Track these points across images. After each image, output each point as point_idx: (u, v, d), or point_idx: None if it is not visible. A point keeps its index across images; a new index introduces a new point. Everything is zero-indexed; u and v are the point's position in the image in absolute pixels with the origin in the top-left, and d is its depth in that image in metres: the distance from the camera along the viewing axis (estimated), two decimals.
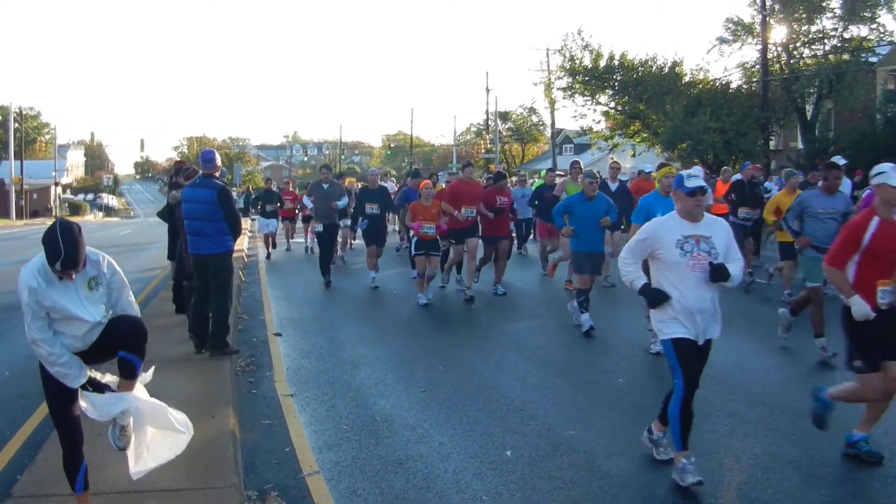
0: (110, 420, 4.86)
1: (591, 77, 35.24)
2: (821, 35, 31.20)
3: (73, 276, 4.49)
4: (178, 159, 25.67)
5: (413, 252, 13.04)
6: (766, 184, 18.11)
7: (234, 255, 10.02)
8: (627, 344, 9.84)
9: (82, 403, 4.74)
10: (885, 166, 5.82)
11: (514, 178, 20.85)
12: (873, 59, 31.22)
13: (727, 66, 53.55)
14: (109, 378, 4.92)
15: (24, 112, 76.72)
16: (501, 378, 8.43)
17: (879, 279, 5.70)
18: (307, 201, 16.08)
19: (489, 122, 66.74)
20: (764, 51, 31.25)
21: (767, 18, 31.04)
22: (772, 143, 33.77)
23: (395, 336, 10.78)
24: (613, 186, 15.13)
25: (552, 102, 41.17)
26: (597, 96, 36.33)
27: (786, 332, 9.44)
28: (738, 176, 15.94)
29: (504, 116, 69.17)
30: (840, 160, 12.06)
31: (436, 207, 12.76)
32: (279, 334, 10.78)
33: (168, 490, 5.20)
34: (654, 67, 34.09)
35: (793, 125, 33.67)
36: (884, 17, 30.28)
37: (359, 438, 6.65)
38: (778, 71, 31.89)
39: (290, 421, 7.14)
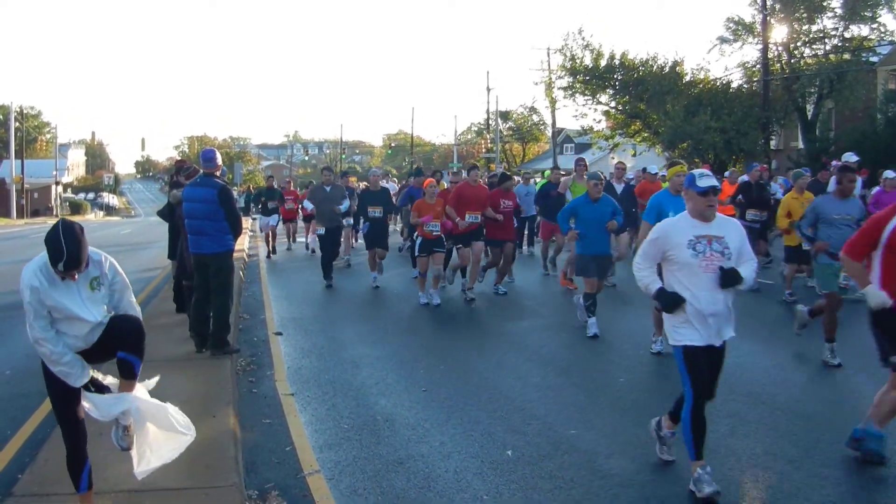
0: (112, 420, 4.87)
1: (591, 76, 35.25)
2: (822, 34, 31.21)
3: (76, 277, 4.49)
4: (179, 158, 25.59)
5: (416, 252, 12.92)
6: (772, 185, 18.03)
7: (235, 254, 10.02)
8: (628, 344, 9.83)
9: (84, 404, 4.75)
10: None
11: (518, 178, 20.57)
12: (874, 59, 31.22)
13: (728, 65, 53.67)
14: (111, 380, 4.92)
15: (24, 111, 76.79)
16: (502, 378, 8.43)
17: None
18: (308, 204, 15.80)
19: (490, 122, 66.72)
20: (765, 50, 31.25)
21: (768, 18, 31.05)
22: (772, 143, 33.77)
23: (396, 335, 10.78)
24: (619, 188, 15.10)
25: (553, 102, 41.15)
26: (597, 96, 36.35)
27: (801, 328, 9.36)
28: (744, 177, 15.88)
29: (505, 116, 69.16)
30: (852, 157, 12.04)
31: (440, 205, 12.65)
32: (280, 333, 10.78)
33: (169, 489, 5.21)
34: (655, 67, 34.11)
35: (793, 125, 33.67)
36: (885, 16, 30.37)
37: (360, 438, 6.65)
38: (779, 70, 31.90)
39: (291, 420, 7.14)
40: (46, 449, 5.99)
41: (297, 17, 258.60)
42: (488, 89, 65.51)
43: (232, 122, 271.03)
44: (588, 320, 10.22)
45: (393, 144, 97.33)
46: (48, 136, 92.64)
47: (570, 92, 36.75)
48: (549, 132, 61.83)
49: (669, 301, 5.38)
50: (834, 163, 14.76)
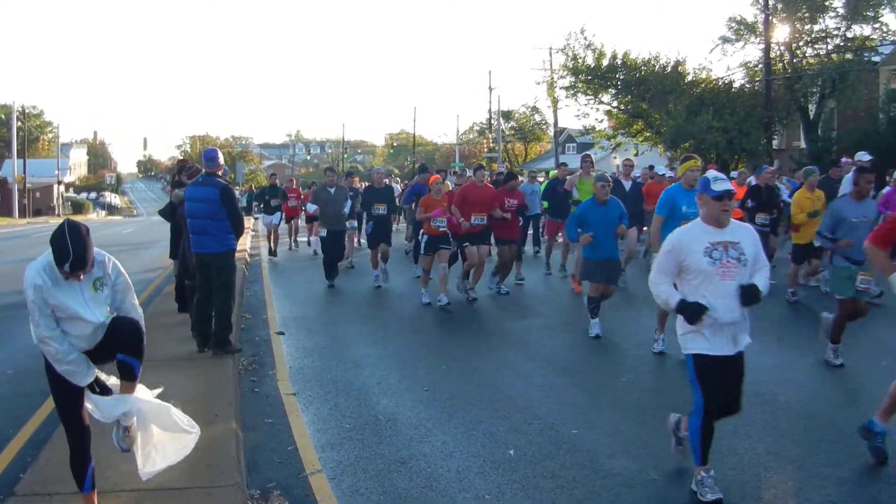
0: (114, 421, 4.87)
1: (593, 76, 35.21)
2: (824, 34, 31.16)
3: (81, 277, 4.50)
4: (182, 158, 25.56)
5: (422, 251, 12.86)
6: (779, 186, 17.94)
7: (237, 253, 10.03)
8: (630, 344, 9.82)
9: (87, 405, 4.75)
10: None
11: (522, 179, 20.30)
12: (876, 59, 31.19)
13: (730, 65, 53.34)
14: (114, 381, 4.92)
15: (26, 111, 76.72)
16: (504, 377, 8.43)
17: None
18: (311, 207, 15.46)
19: (492, 121, 66.70)
20: (767, 50, 31.20)
21: (770, 18, 31.00)
22: (774, 143, 33.74)
23: (397, 335, 10.78)
24: (627, 185, 14.95)
25: (555, 101, 41.11)
26: (599, 95, 36.31)
27: (827, 336, 8.87)
28: (751, 179, 15.75)
29: (507, 115, 69.12)
30: (865, 156, 11.95)
31: (446, 201, 12.61)
32: (282, 333, 10.78)
33: (171, 489, 5.21)
34: (657, 67, 34.06)
35: (795, 124, 33.64)
36: (887, 16, 30.36)
37: (361, 437, 6.65)
38: (781, 70, 31.86)
39: (293, 420, 7.14)
40: (48, 448, 5.99)
41: (299, 16, 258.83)
42: (490, 89, 65.52)
43: (234, 122, 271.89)
44: (591, 321, 10.17)
45: (395, 144, 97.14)
46: (50, 135, 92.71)
47: (572, 91, 36.73)
48: (551, 132, 61.81)
49: (693, 311, 5.18)
50: (844, 159, 14.60)
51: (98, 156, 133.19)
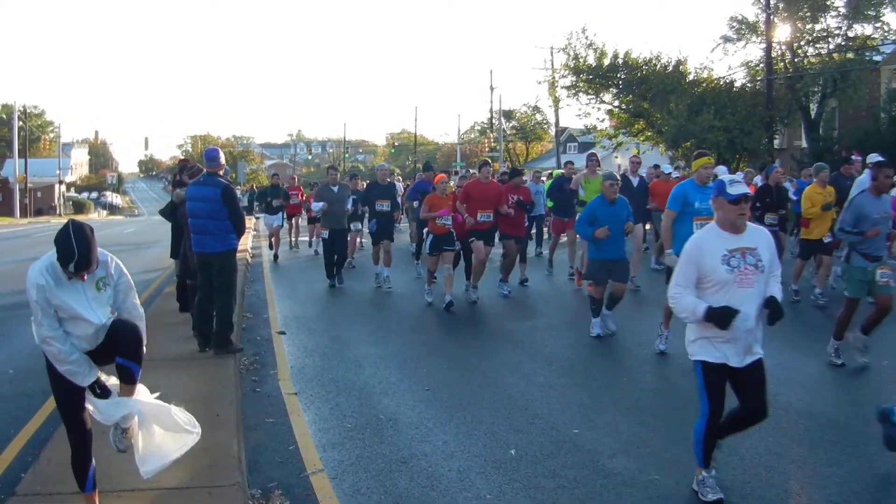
0: (113, 423, 4.87)
1: (595, 75, 35.21)
2: (825, 34, 31.16)
3: (85, 278, 4.50)
4: (183, 157, 25.45)
5: (427, 251, 12.71)
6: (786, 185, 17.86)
7: (238, 253, 10.02)
8: (632, 343, 9.83)
9: (87, 406, 4.75)
10: None
11: (525, 178, 19.93)
12: (877, 58, 31.19)
13: (731, 64, 53.41)
14: (114, 381, 4.92)
15: (28, 110, 76.85)
16: (505, 377, 8.42)
17: None
18: (315, 206, 15.00)
19: (493, 121, 66.73)
20: (768, 49, 31.21)
21: (772, 17, 31.02)
22: (776, 142, 33.75)
23: (398, 335, 10.78)
24: (635, 181, 14.85)
25: (556, 101, 41.09)
26: (601, 95, 36.32)
27: (863, 352, 8.62)
28: (757, 179, 15.66)
29: (508, 115, 69.10)
30: (876, 157, 11.89)
31: (451, 199, 12.52)
32: (283, 333, 10.78)
33: (172, 488, 5.21)
34: (658, 66, 34.05)
35: (797, 124, 33.64)
36: (888, 15, 30.36)
37: (363, 437, 6.65)
38: (782, 70, 31.87)
39: (294, 419, 7.14)
40: (50, 448, 6.00)
41: (300, 15, 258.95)
42: (491, 88, 65.55)
43: (235, 121, 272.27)
44: (592, 320, 10.15)
45: (396, 143, 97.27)
46: (51, 135, 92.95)
47: (574, 91, 36.73)
48: (552, 131, 61.75)
49: (724, 317, 4.92)
50: (855, 157, 14.51)
51: (99, 155, 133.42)
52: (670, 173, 16.50)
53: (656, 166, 17.40)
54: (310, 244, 21.53)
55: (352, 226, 15.83)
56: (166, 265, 16.98)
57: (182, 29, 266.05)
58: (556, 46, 40.59)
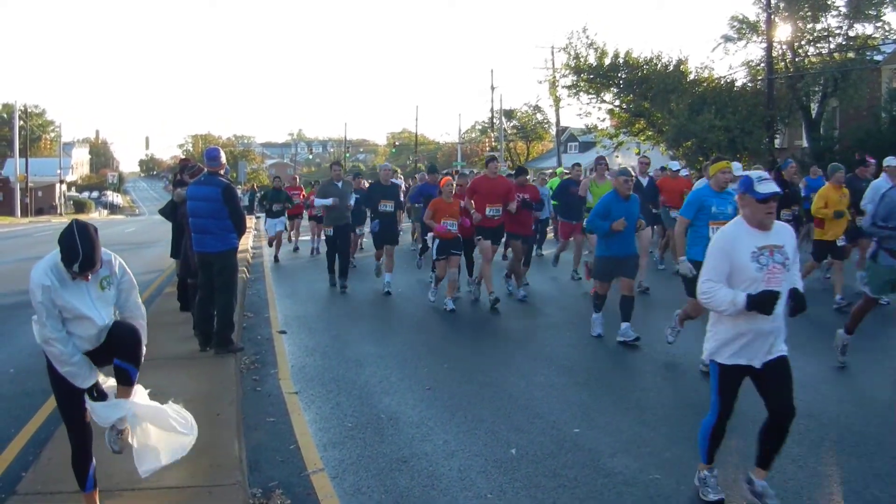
0: (109, 425, 4.86)
1: (595, 75, 35.21)
2: (826, 33, 31.15)
3: (89, 277, 4.49)
4: (184, 157, 25.34)
5: (435, 256, 12.40)
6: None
7: (239, 252, 10.02)
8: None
9: (88, 404, 4.74)
10: None
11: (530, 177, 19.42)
12: (878, 58, 31.17)
13: (732, 64, 53.44)
14: (111, 384, 4.91)
15: (29, 110, 76.83)
16: (506, 376, 8.42)
17: None
18: (320, 202, 14.63)
19: (494, 120, 66.70)
20: (769, 49, 31.19)
21: (772, 17, 30.99)
22: (777, 142, 33.72)
23: (400, 334, 10.78)
24: (644, 181, 14.68)
25: (557, 100, 41.04)
26: (601, 94, 36.33)
27: (842, 354, 8.48)
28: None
29: (509, 114, 69.05)
30: (893, 160, 11.85)
31: (458, 204, 12.20)
32: (284, 332, 10.79)
33: (173, 488, 5.22)
34: (659, 65, 34.06)
35: (798, 123, 33.61)
36: (889, 15, 30.38)
37: (363, 436, 6.65)
38: (783, 69, 31.85)
39: (295, 419, 7.14)
40: (50, 447, 6.00)
41: (301, 15, 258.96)
42: (492, 88, 65.56)
43: (236, 121, 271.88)
44: (593, 317, 10.08)
45: (397, 143, 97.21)
46: (52, 134, 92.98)
47: (574, 90, 36.73)
48: (552, 131, 61.73)
49: (765, 300, 4.75)
50: (870, 159, 14.44)
51: (100, 155, 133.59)
52: (678, 170, 16.38)
53: (663, 168, 17.32)
54: (312, 251, 20.99)
55: (357, 229, 15.57)
56: (167, 264, 16.97)
57: (182, 29, 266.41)
58: (557, 46, 40.75)
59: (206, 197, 8.83)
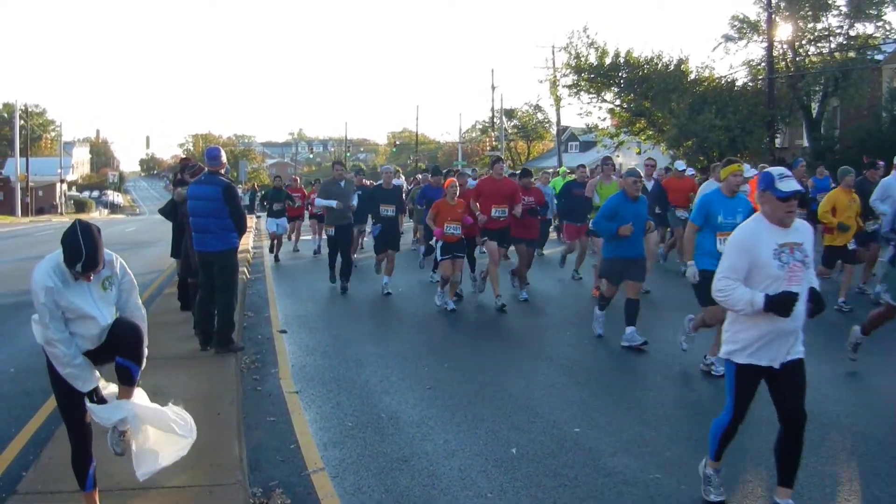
0: (111, 425, 4.85)
1: (596, 74, 35.22)
2: (826, 33, 31.15)
3: (91, 278, 4.49)
4: (184, 156, 25.23)
5: (439, 257, 12.19)
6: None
7: (240, 252, 10.02)
8: None
9: (88, 406, 4.73)
10: None
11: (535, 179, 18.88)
12: (879, 57, 31.16)
13: (733, 63, 53.48)
14: (111, 390, 4.89)
15: (29, 109, 76.87)
16: (507, 376, 8.41)
17: None
18: (321, 203, 14.29)
19: (494, 120, 66.73)
20: (769, 48, 31.19)
21: (773, 16, 31.00)
22: (777, 141, 33.72)
23: (400, 334, 10.78)
24: (649, 185, 14.38)
25: (557, 100, 41.04)
26: (602, 94, 36.33)
27: (854, 352, 8.44)
28: None
29: (509, 114, 69.12)
30: None
31: (461, 206, 12.02)
32: (284, 331, 10.78)
33: (173, 487, 5.21)
34: (660, 65, 34.07)
35: (798, 123, 33.60)
36: (890, 14, 30.39)
37: (364, 436, 6.65)
38: (783, 69, 31.85)
39: (296, 418, 7.14)
40: (50, 447, 6.00)
41: (301, 14, 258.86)
42: (493, 87, 65.63)
43: (236, 120, 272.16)
44: (596, 313, 9.95)
45: (398, 142, 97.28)
46: (53, 134, 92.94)
47: (575, 90, 36.73)
48: (553, 130, 61.76)
49: (784, 302, 4.64)
50: (880, 162, 14.39)
51: (100, 154, 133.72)
52: (684, 170, 16.28)
53: (667, 169, 17.23)
54: (314, 252, 20.69)
55: (356, 229, 15.44)
56: (167, 264, 16.98)
57: (182, 28, 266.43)
58: (558, 45, 40.80)
59: (207, 196, 8.82)
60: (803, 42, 31.74)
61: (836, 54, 30.80)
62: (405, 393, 7.87)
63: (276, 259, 19.78)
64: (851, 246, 11.33)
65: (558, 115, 53.05)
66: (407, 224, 21.84)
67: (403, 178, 32.59)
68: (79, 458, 4.74)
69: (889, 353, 8.80)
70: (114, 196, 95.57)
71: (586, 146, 60.95)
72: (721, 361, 8.51)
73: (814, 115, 32.12)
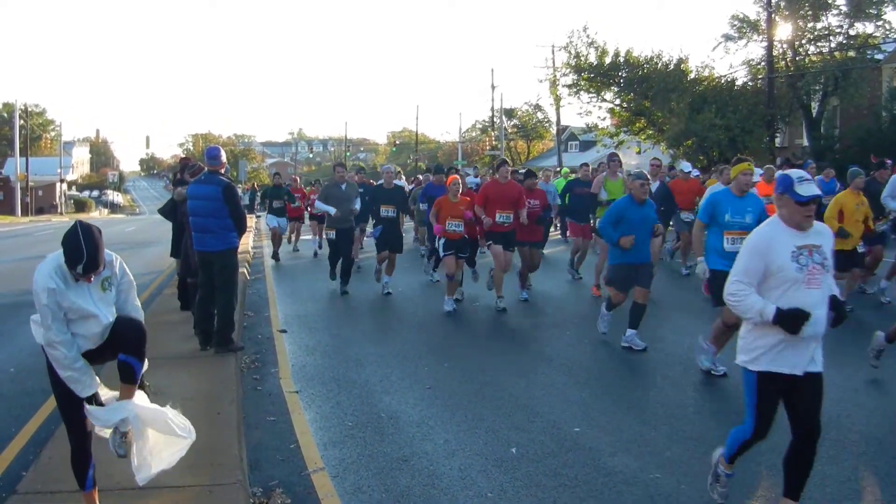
0: (112, 427, 4.84)
1: (596, 74, 35.27)
2: (826, 32, 31.18)
3: (92, 279, 4.48)
4: (184, 156, 25.15)
5: (442, 253, 12.07)
6: None
7: (240, 252, 10.01)
8: None
9: (87, 409, 4.72)
10: None
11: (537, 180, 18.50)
12: (879, 57, 31.19)
13: (732, 63, 53.50)
14: (109, 396, 4.87)
15: (29, 109, 76.82)
16: (507, 375, 8.41)
17: None
18: (321, 206, 13.92)
19: (494, 119, 66.71)
20: (769, 48, 31.21)
21: (773, 15, 31.03)
22: (777, 141, 33.74)
23: (400, 333, 10.78)
24: (654, 186, 13.95)
25: (557, 99, 41.08)
26: (602, 93, 36.38)
27: (876, 359, 8.22)
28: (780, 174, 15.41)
29: (509, 113, 69.10)
30: None
31: (464, 204, 11.91)
32: (284, 331, 10.78)
33: (173, 487, 5.20)
34: (660, 64, 34.11)
35: (798, 122, 33.64)
36: (889, 14, 30.40)
37: (364, 435, 6.65)
38: (783, 68, 31.88)
39: (296, 418, 7.14)
40: (50, 447, 5.99)
41: (301, 14, 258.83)
42: (493, 87, 65.63)
43: (236, 120, 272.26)
44: (602, 311, 9.81)
45: (397, 142, 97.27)
46: (53, 133, 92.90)
47: (575, 89, 36.79)
48: (553, 129, 61.75)
49: (795, 320, 4.50)
50: (889, 161, 14.35)
51: (100, 154, 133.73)
52: (689, 171, 16.20)
53: (672, 167, 17.17)
54: (315, 253, 20.56)
55: (358, 229, 15.32)
56: (167, 264, 16.97)
57: (182, 28, 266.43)
58: (558, 45, 40.89)
59: (207, 196, 8.82)
60: (803, 41, 31.77)
61: (836, 54, 30.84)
62: (405, 392, 7.87)
63: (277, 259, 19.76)
64: (861, 249, 11.25)
65: (558, 114, 53.12)
66: (407, 224, 21.80)
67: (404, 177, 32.53)
68: (78, 459, 4.73)
69: (889, 354, 8.79)
70: (114, 196, 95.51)
71: (586, 146, 60.97)
72: (703, 353, 8.48)
73: (814, 115, 32.15)
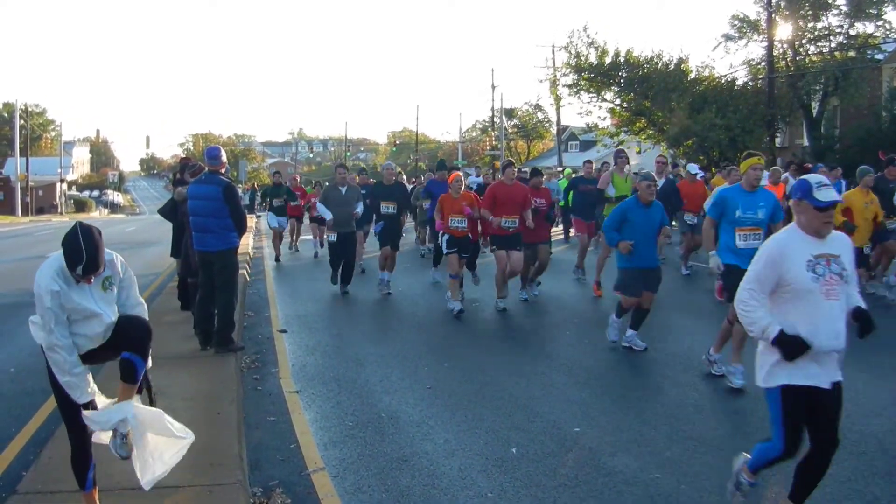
0: (111, 429, 4.83)
1: (596, 74, 35.22)
2: (826, 32, 31.14)
3: (92, 280, 4.48)
4: (184, 156, 25.13)
5: (445, 250, 11.96)
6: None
7: (240, 252, 10.01)
8: None
9: (84, 413, 4.71)
10: None
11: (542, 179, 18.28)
12: (879, 57, 31.17)
13: (733, 63, 53.52)
14: (104, 402, 4.86)
15: (29, 109, 76.87)
16: (506, 375, 8.41)
17: None
18: (320, 208, 13.62)
19: (495, 119, 66.69)
20: (770, 48, 31.18)
21: (773, 15, 31.00)
22: (777, 141, 33.71)
23: (400, 333, 10.78)
24: (660, 183, 13.78)
25: (558, 99, 41.06)
26: (602, 93, 36.33)
27: None
28: (787, 176, 15.32)
29: (509, 113, 69.12)
30: None
31: (466, 200, 11.86)
32: (284, 331, 10.78)
33: (173, 487, 5.20)
34: (660, 64, 34.07)
35: (798, 122, 33.60)
36: (890, 14, 30.38)
37: (364, 435, 6.65)
38: (784, 68, 31.85)
39: (296, 418, 7.14)
40: (50, 447, 5.99)
41: (301, 14, 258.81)
42: (493, 87, 65.56)
43: (236, 120, 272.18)
44: (612, 318, 9.63)
45: (398, 142, 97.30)
46: (53, 133, 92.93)
47: (575, 89, 36.74)
48: (553, 129, 61.77)
49: (794, 347, 4.40)
50: None
51: (101, 154, 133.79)
52: (696, 174, 16.10)
53: (675, 165, 17.12)
54: (316, 254, 20.39)
55: (362, 231, 15.24)
56: (167, 264, 16.97)
57: (182, 28, 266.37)
58: (558, 45, 40.89)
59: (207, 196, 8.83)
60: (803, 41, 31.74)
61: (837, 53, 30.80)
62: (405, 392, 7.87)
63: (277, 258, 19.73)
64: (867, 250, 11.23)
65: (558, 114, 53.15)
66: (408, 224, 21.77)
67: (405, 177, 32.52)
68: (78, 459, 4.73)
69: (888, 354, 8.79)
70: (114, 196, 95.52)
71: (586, 145, 60.97)
72: (715, 364, 8.44)
73: (814, 115, 32.13)
